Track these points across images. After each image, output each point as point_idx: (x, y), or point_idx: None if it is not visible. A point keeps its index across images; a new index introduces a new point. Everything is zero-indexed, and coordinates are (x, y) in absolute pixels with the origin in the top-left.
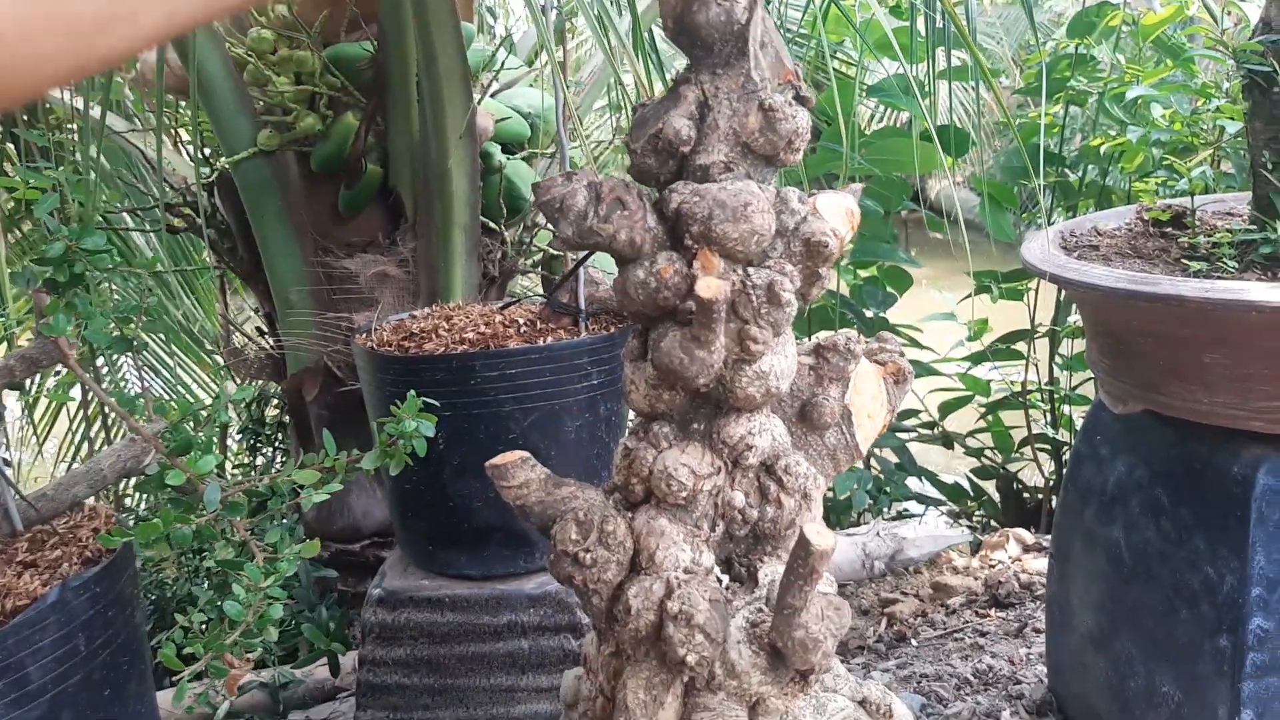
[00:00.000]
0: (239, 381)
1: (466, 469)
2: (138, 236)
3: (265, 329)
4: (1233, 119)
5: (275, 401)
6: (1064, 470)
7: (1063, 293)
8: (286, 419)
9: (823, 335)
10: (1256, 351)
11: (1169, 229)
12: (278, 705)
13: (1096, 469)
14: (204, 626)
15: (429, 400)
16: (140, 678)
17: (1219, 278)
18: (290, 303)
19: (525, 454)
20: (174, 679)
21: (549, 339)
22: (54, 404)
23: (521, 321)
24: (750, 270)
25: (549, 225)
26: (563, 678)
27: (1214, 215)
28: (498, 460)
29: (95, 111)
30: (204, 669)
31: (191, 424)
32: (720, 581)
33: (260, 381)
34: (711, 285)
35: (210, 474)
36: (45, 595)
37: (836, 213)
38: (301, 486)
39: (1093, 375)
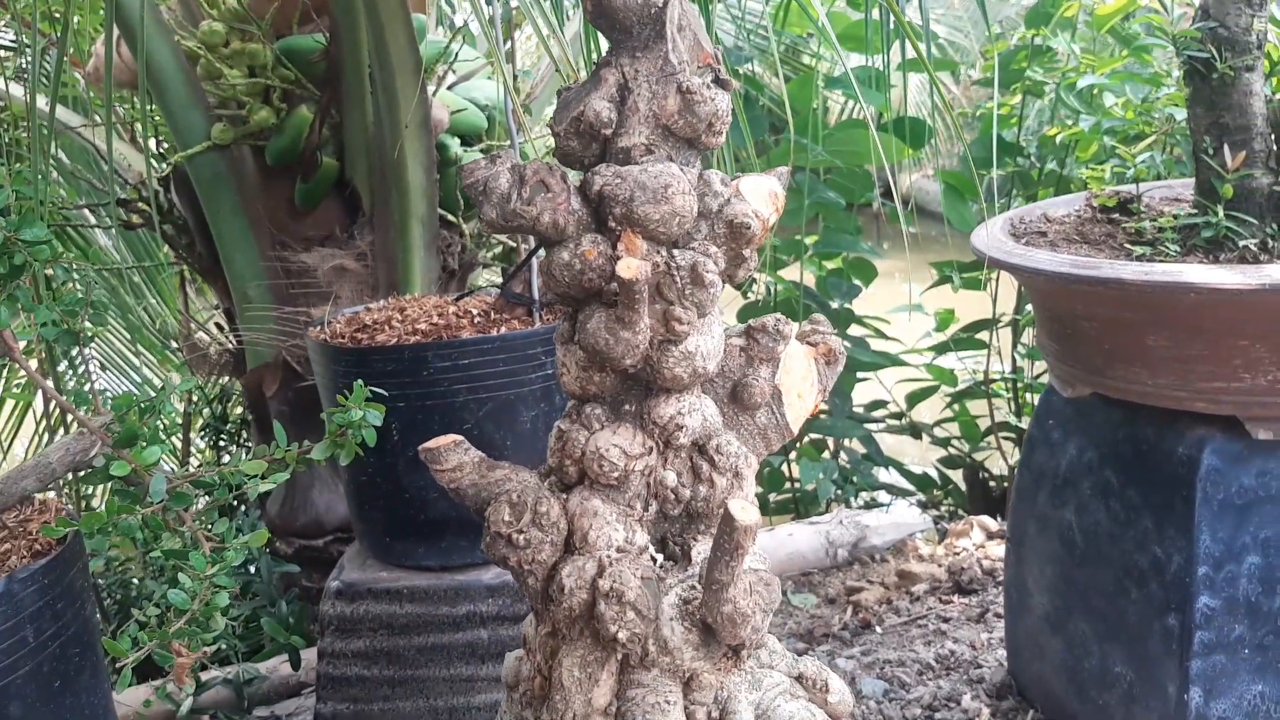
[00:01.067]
0: (200, 379)
1: (421, 461)
2: (101, 236)
3: (225, 325)
4: (1179, 105)
5: (238, 398)
6: None
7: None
8: (249, 416)
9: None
10: (1196, 333)
11: (1116, 215)
12: (242, 701)
13: (1049, 453)
14: (157, 619)
15: (378, 390)
16: (93, 670)
17: (1160, 261)
18: (249, 298)
19: (458, 437)
20: (117, 666)
21: (503, 329)
22: (19, 404)
23: (475, 312)
24: (675, 252)
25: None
26: (505, 659)
27: (1162, 201)
28: (431, 444)
29: (47, 106)
30: (152, 659)
31: (137, 415)
32: (654, 560)
33: (223, 379)
34: (632, 266)
35: (155, 464)
36: None
37: (760, 195)
38: (249, 477)
39: (1043, 359)
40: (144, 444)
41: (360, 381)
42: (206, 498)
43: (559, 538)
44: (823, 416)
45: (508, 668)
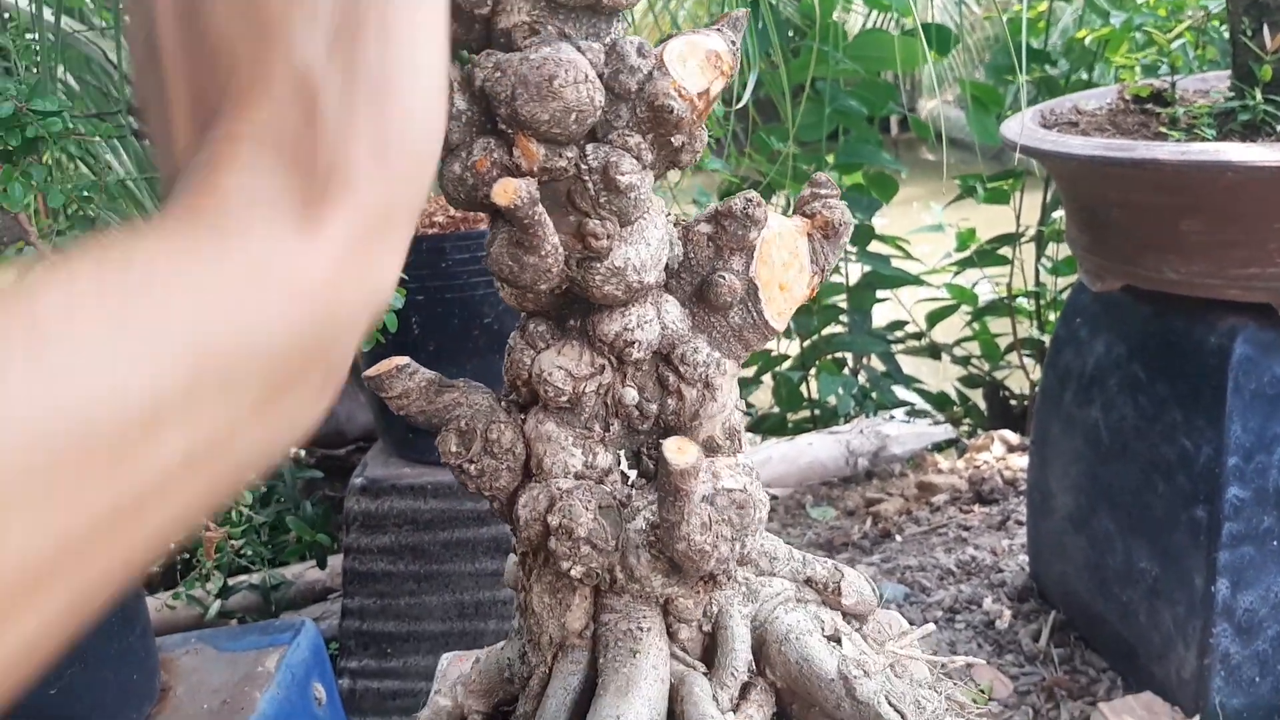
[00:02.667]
0: None
1: (442, 354)
2: (106, 155)
3: None
4: None
5: None
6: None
7: (1049, 194)
8: None
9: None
10: (1232, 216)
11: (1149, 105)
12: (269, 605)
13: (1075, 352)
14: None
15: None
16: None
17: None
18: None
19: (404, 360)
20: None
21: None
22: None
23: None
24: (587, 150)
25: None
26: (506, 562)
27: (1195, 93)
28: (373, 370)
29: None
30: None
31: None
32: (626, 479)
33: None
34: (508, 189)
35: None
36: None
37: (693, 60)
38: None
39: (1072, 254)
40: None
41: None
42: None
43: (516, 463)
44: (841, 332)
45: (508, 571)
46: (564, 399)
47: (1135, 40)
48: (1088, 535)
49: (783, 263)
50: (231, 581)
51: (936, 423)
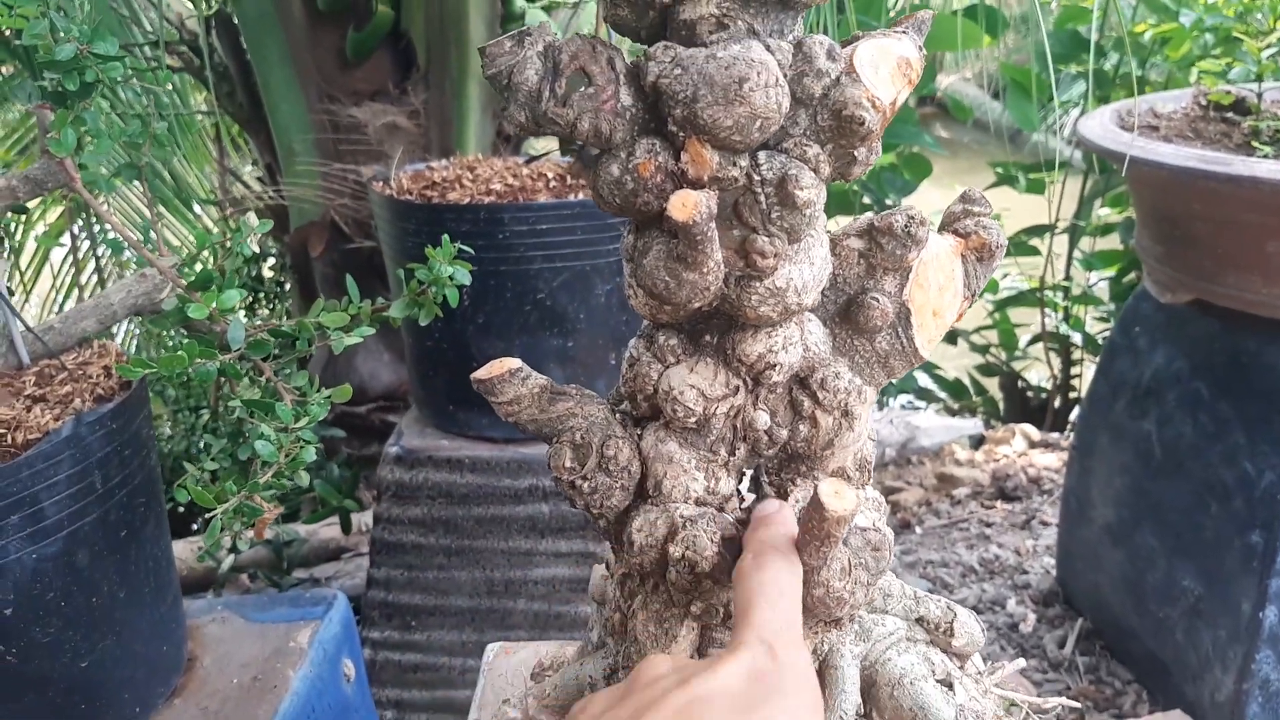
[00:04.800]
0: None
1: (491, 327)
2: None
3: (265, 180)
4: None
5: (273, 261)
6: (1071, 369)
7: (1088, 186)
8: (284, 279)
9: (876, 215)
10: None
11: (1230, 114)
12: (282, 562)
13: (1132, 361)
14: (214, 476)
15: (463, 248)
16: (157, 521)
17: None
18: (294, 152)
19: (516, 363)
20: (205, 518)
21: (580, 195)
22: (40, 252)
23: (550, 176)
24: (760, 158)
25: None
26: (592, 573)
27: (1274, 104)
28: (483, 373)
29: None
30: (228, 512)
31: (213, 256)
32: (742, 504)
33: (263, 234)
34: (687, 203)
35: (235, 309)
36: (58, 429)
37: (884, 67)
38: (330, 329)
39: (1140, 263)
40: (219, 287)
41: (447, 236)
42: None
43: (630, 482)
44: None
45: (594, 584)
46: (692, 420)
47: (1204, 41)
48: (1127, 548)
49: (938, 286)
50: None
51: (951, 411)
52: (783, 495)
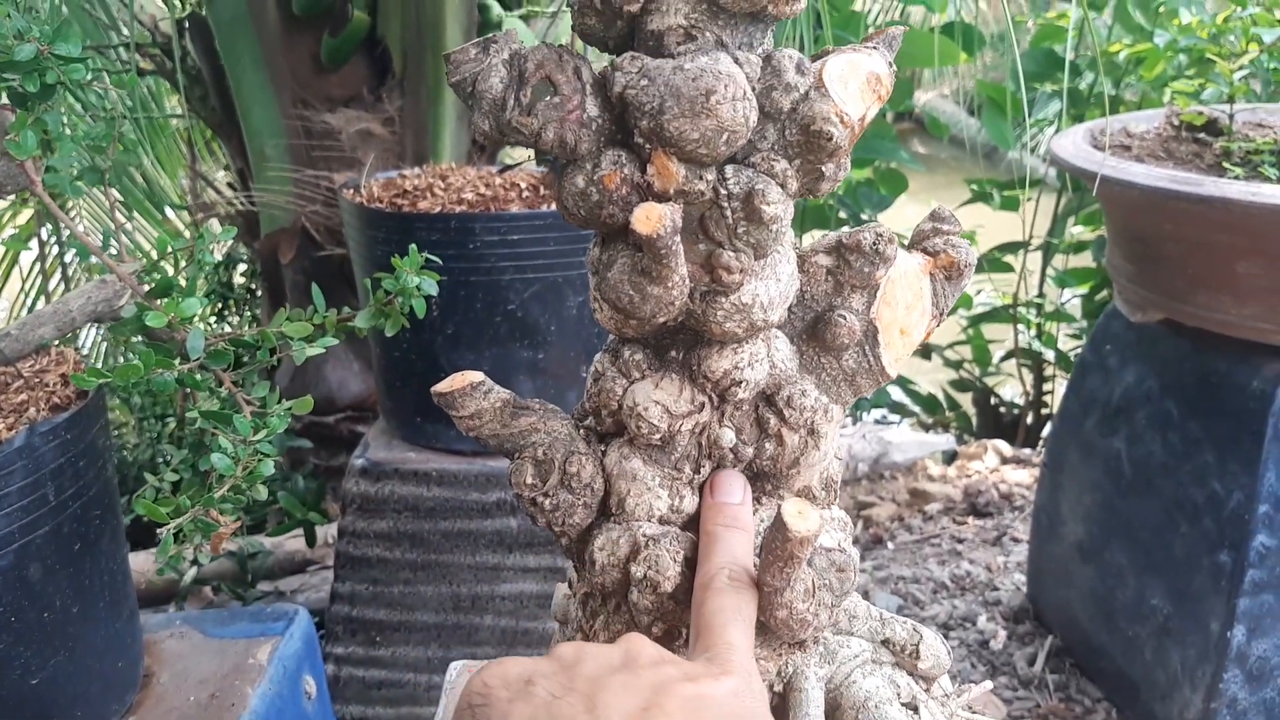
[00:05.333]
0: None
1: (461, 339)
2: (93, 94)
3: (237, 186)
4: (1267, 26)
5: (244, 267)
6: (1043, 385)
7: (1061, 204)
8: (254, 285)
9: (846, 231)
10: None
11: (1202, 134)
12: (246, 575)
13: (1103, 379)
14: (175, 487)
15: (431, 257)
16: (113, 534)
17: (1268, 183)
18: (266, 157)
19: (478, 377)
20: (159, 532)
21: (553, 206)
22: (8, 255)
23: (524, 186)
24: (727, 172)
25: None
26: (555, 591)
27: (1246, 125)
28: (443, 386)
29: None
30: (185, 525)
31: (174, 263)
32: None
33: (229, 241)
34: (651, 216)
35: (194, 318)
36: (10, 439)
37: (854, 82)
38: (293, 339)
39: (1111, 281)
40: (180, 295)
41: (414, 246)
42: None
43: (593, 499)
44: None
45: (557, 603)
46: (657, 437)
47: (1178, 62)
48: (1097, 566)
49: (906, 305)
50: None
51: (925, 425)
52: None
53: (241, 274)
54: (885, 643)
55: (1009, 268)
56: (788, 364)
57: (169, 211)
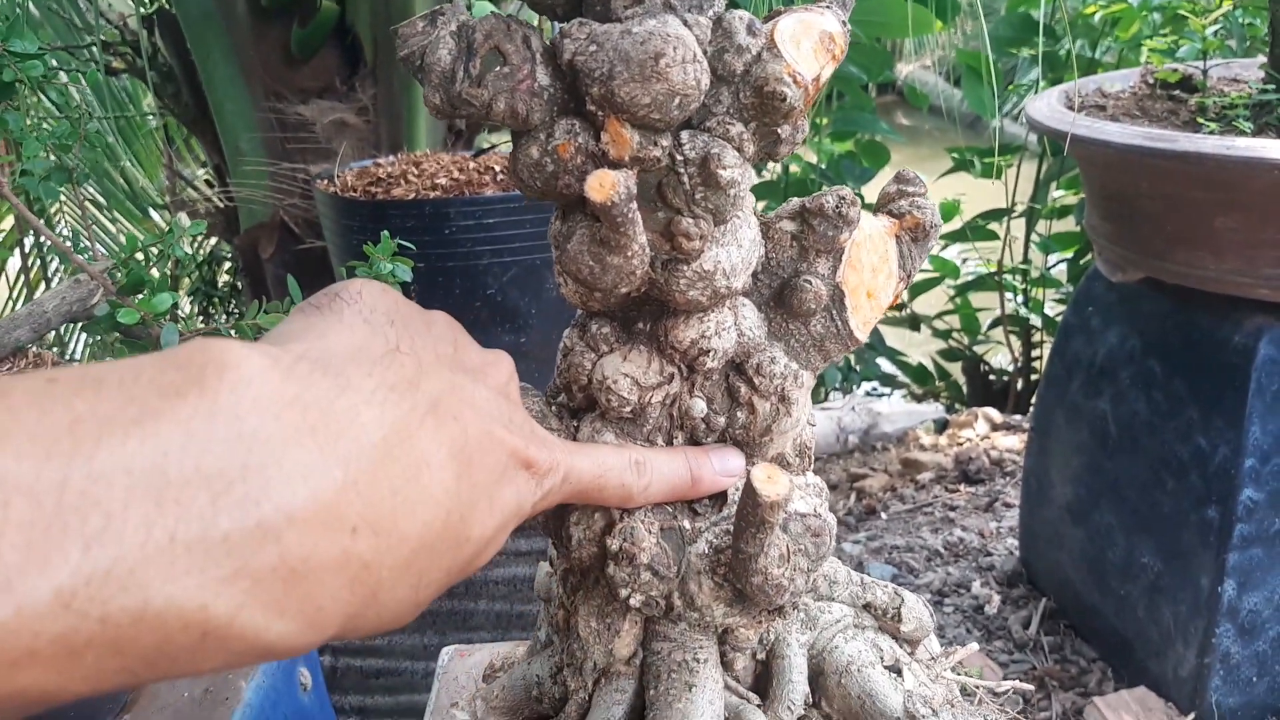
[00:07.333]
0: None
1: None
2: (74, 93)
3: (214, 182)
4: None
5: (228, 265)
6: (1032, 351)
7: (1043, 170)
8: (239, 283)
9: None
10: (1270, 214)
11: (1177, 92)
12: None
13: (1086, 341)
14: None
15: (404, 244)
16: None
17: (1241, 137)
18: (241, 151)
19: None
20: None
21: None
22: None
23: (498, 169)
24: (683, 137)
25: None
26: (538, 570)
27: (1221, 81)
28: None
29: None
30: None
31: (145, 259)
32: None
33: (210, 240)
34: (604, 183)
35: (167, 313)
36: None
37: (806, 42)
38: (266, 331)
39: (1091, 242)
40: (152, 290)
41: (386, 232)
42: None
43: None
44: None
45: (539, 581)
46: (627, 409)
47: (1152, 21)
48: (1087, 527)
49: (872, 268)
50: None
51: (916, 396)
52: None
53: (226, 272)
54: (867, 607)
55: (994, 235)
56: (756, 331)
57: (152, 212)
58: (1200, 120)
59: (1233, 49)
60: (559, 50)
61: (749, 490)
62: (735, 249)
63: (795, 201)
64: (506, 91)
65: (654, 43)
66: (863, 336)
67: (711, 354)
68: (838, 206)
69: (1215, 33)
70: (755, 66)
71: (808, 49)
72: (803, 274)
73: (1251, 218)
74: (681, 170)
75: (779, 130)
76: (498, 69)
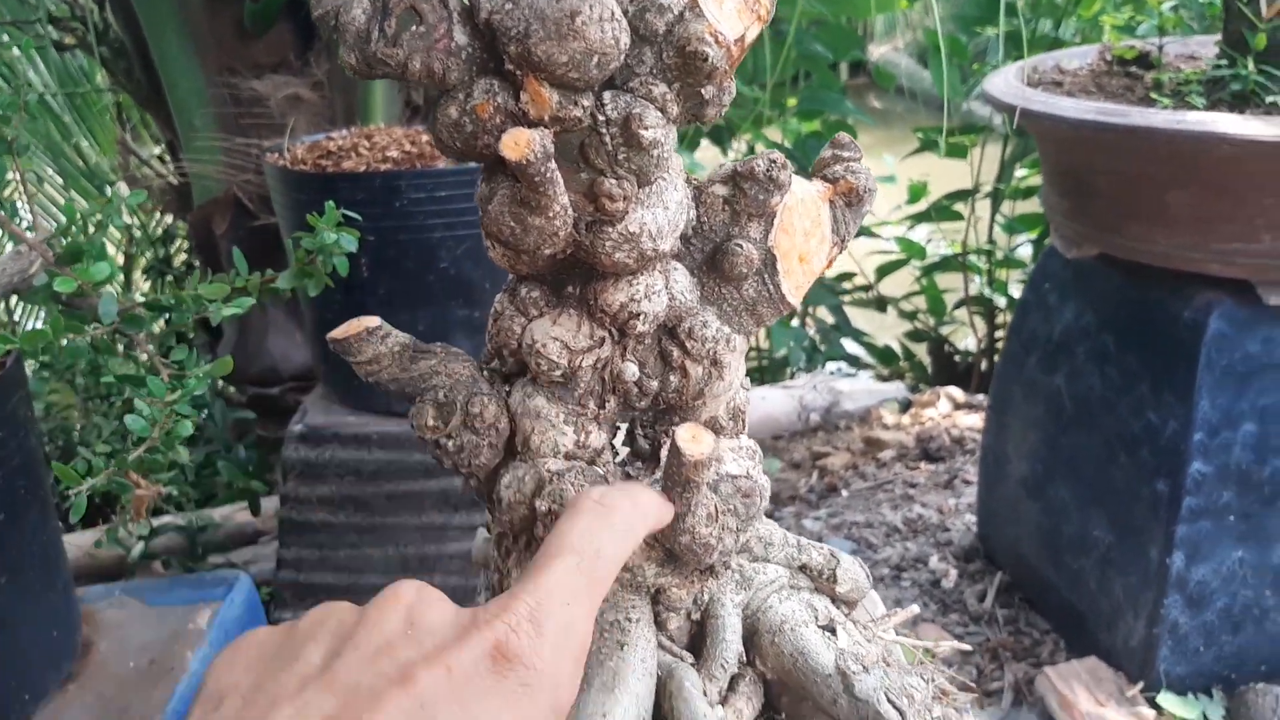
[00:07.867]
0: (143, 216)
1: (393, 299)
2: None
3: (168, 158)
4: None
5: (183, 241)
6: (996, 332)
7: (1008, 150)
8: (194, 260)
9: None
10: (1222, 189)
11: (1134, 68)
12: (196, 548)
13: (1043, 317)
14: (107, 455)
15: (350, 214)
16: (41, 507)
17: (1192, 112)
18: (194, 127)
19: (375, 321)
20: (70, 492)
21: None
22: None
23: None
24: (605, 98)
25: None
26: (475, 537)
27: (1178, 58)
28: (339, 332)
29: None
30: (98, 486)
31: (82, 229)
32: (616, 456)
33: (166, 217)
34: (519, 141)
35: (105, 283)
36: None
37: (730, 2)
38: (210, 301)
39: (1047, 219)
40: (90, 259)
41: (331, 203)
42: (164, 325)
43: (499, 439)
44: None
45: (477, 548)
46: (558, 373)
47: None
48: (1042, 502)
49: (804, 232)
50: (156, 523)
51: (881, 377)
52: (657, 447)
53: (184, 250)
54: (803, 569)
55: (959, 216)
56: (688, 296)
57: (108, 190)
58: (1154, 96)
59: (1194, 27)
60: (476, 9)
61: (674, 450)
62: (661, 211)
63: (728, 166)
64: (422, 51)
65: (570, 0)
66: (795, 301)
67: (642, 317)
68: (768, 170)
69: (1174, 8)
70: (677, 26)
71: (731, 9)
72: (734, 238)
73: (1203, 193)
74: (603, 130)
75: (703, 91)
76: (414, 28)
